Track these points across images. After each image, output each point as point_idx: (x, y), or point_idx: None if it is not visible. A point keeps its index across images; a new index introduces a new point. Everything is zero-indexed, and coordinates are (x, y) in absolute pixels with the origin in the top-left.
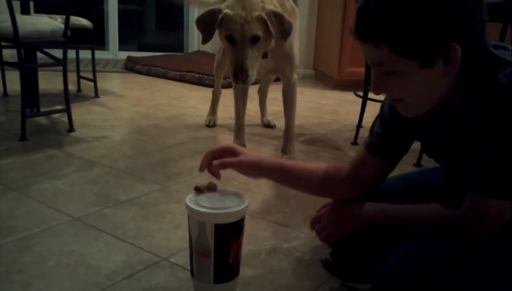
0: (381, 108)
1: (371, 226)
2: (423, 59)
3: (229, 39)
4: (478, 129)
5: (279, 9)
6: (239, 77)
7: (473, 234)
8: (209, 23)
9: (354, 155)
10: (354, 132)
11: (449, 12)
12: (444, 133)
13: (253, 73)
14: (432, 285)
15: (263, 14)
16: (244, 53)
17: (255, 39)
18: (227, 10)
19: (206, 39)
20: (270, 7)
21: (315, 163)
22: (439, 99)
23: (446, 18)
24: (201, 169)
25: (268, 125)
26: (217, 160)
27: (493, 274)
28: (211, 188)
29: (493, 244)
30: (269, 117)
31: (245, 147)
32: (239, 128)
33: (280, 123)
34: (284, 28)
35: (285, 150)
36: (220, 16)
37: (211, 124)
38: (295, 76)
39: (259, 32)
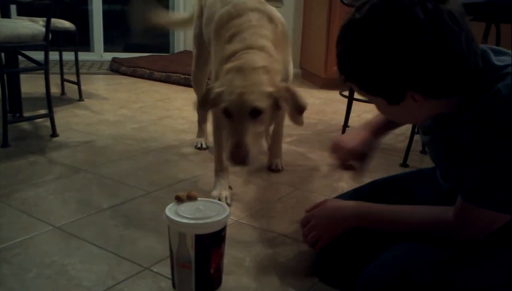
0: None
1: (358, 229)
2: (387, 99)
3: (226, 113)
4: (475, 138)
5: (272, 37)
6: (235, 159)
7: (458, 240)
8: (202, 103)
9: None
10: (340, 133)
11: (406, 62)
12: (428, 133)
13: (254, 154)
14: (418, 290)
15: (273, 91)
16: (242, 129)
17: (256, 113)
18: (223, 88)
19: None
20: (281, 84)
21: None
22: (429, 116)
23: (402, 68)
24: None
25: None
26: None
27: (477, 282)
28: (192, 197)
29: (477, 251)
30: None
31: (231, 189)
32: (221, 167)
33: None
34: (299, 104)
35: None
36: (215, 95)
37: (203, 147)
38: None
39: (262, 105)
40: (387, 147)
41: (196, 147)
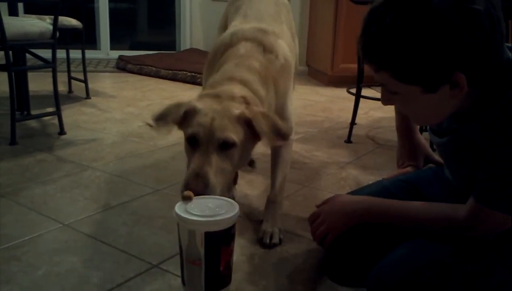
0: None
1: (367, 226)
2: (425, 85)
3: (191, 141)
4: (490, 140)
5: (261, 69)
6: (191, 187)
7: (468, 238)
8: (163, 117)
9: None
10: (347, 130)
11: (453, 43)
12: (442, 135)
13: (217, 188)
14: (428, 288)
15: (246, 113)
16: (207, 159)
17: (226, 145)
18: (196, 104)
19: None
20: (256, 108)
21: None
22: (447, 116)
23: (449, 49)
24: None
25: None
26: None
27: (485, 281)
28: (186, 197)
29: (486, 250)
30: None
31: None
32: None
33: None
34: (279, 128)
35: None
36: (184, 109)
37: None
38: (292, 136)
39: (234, 136)
40: (395, 145)
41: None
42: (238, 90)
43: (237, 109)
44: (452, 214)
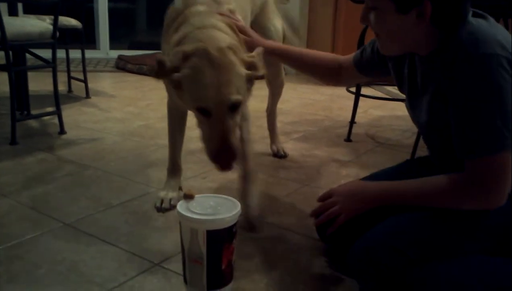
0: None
1: (370, 219)
2: (398, 4)
3: (202, 111)
4: (445, 85)
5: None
6: (224, 165)
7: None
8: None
9: (346, 56)
10: (347, 129)
11: None
12: (417, 82)
13: (238, 149)
14: (399, 257)
15: (248, 73)
16: (226, 128)
17: (236, 106)
18: (186, 72)
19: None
20: (249, 58)
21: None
22: (411, 46)
23: None
24: None
25: (277, 155)
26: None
27: (459, 247)
28: (188, 196)
29: (461, 217)
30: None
31: (181, 190)
32: (173, 166)
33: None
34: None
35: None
36: (176, 76)
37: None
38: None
39: (240, 97)
40: (394, 143)
41: (155, 206)
42: (219, 35)
43: (237, 68)
44: (460, 177)
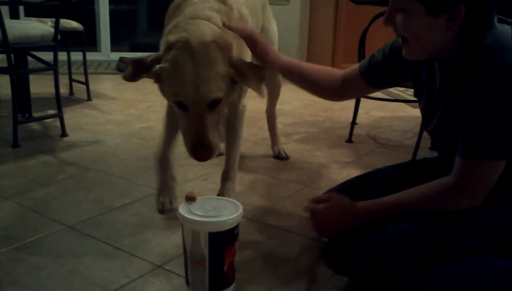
0: (390, 44)
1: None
2: (430, 6)
3: (180, 105)
4: (463, 88)
5: (222, 11)
6: (200, 158)
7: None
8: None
9: (349, 68)
10: (348, 130)
11: None
12: (435, 87)
13: (217, 142)
14: (406, 257)
15: (230, 72)
16: (202, 123)
17: (215, 104)
18: (165, 65)
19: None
20: (238, 60)
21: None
22: (437, 50)
23: None
24: None
25: (278, 156)
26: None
27: (462, 248)
28: (190, 198)
29: (464, 219)
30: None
31: (175, 182)
32: (162, 155)
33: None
34: (261, 75)
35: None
36: (156, 69)
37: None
38: (244, 102)
39: (221, 93)
40: (395, 144)
41: (158, 209)
42: (207, 29)
43: (218, 65)
44: (444, 183)
